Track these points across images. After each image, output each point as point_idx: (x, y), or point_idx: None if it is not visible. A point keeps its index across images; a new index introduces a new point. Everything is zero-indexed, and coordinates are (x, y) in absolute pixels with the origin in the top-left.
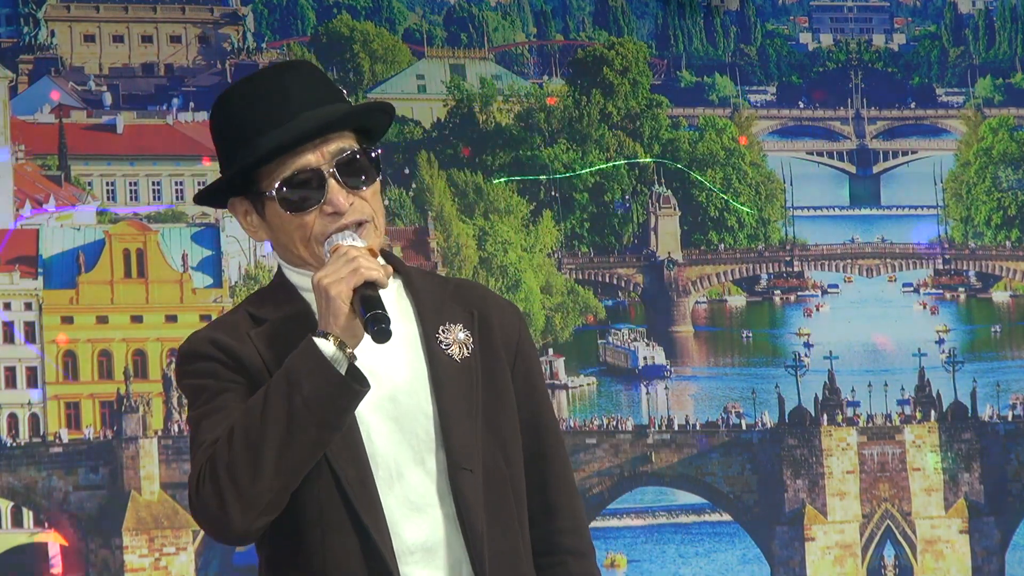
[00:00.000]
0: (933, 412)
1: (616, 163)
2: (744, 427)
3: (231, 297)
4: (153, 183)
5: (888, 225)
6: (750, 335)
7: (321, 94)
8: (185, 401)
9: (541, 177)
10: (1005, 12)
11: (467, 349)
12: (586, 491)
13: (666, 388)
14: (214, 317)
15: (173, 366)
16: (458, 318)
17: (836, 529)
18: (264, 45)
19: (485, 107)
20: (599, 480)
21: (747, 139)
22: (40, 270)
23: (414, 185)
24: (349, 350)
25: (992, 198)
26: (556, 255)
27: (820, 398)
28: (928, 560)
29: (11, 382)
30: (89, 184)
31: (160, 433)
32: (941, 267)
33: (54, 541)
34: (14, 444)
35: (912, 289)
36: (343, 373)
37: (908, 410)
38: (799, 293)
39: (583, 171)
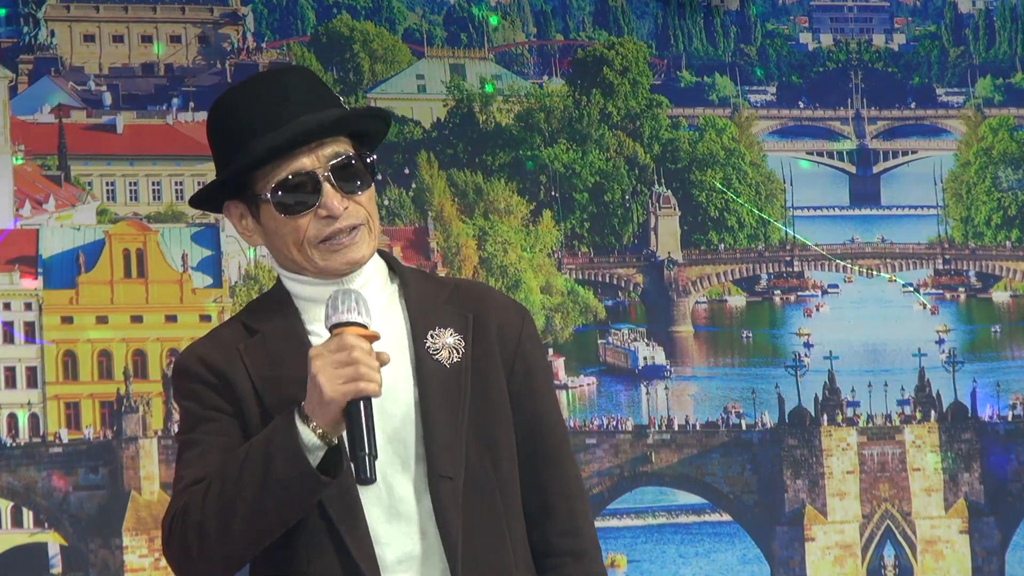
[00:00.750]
0: (933, 412)
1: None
2: (744, 427)
3: (231, 297)
4: (153, 183)
5: (888, 225)
6: (750, 335)
7: (317, 99)
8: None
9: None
10: (1005, 12)
11: (457, 354)
12: (586, 491)
13: (666, 388)
14: (214, 317)
15: (172, 377)
16: (449, 322)
17: (836, 529)
18: (264, 45)
19: (485, 107)
20: (599, 480)
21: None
22: (40, 270)
23: (414, 185)
24: (330, 438)
25: (992, 198)
26: (556, 255)
27: (820, 398)
28: (928, 560)
29: (11, 382)
30: (89, 184)
31: (160, 433)
32: (941, 267)
33: (54, 541)
34: (14, 444)
35: (912, 289)
36: (315, 464)
37: (908, 410)
38: (799, 293)
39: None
